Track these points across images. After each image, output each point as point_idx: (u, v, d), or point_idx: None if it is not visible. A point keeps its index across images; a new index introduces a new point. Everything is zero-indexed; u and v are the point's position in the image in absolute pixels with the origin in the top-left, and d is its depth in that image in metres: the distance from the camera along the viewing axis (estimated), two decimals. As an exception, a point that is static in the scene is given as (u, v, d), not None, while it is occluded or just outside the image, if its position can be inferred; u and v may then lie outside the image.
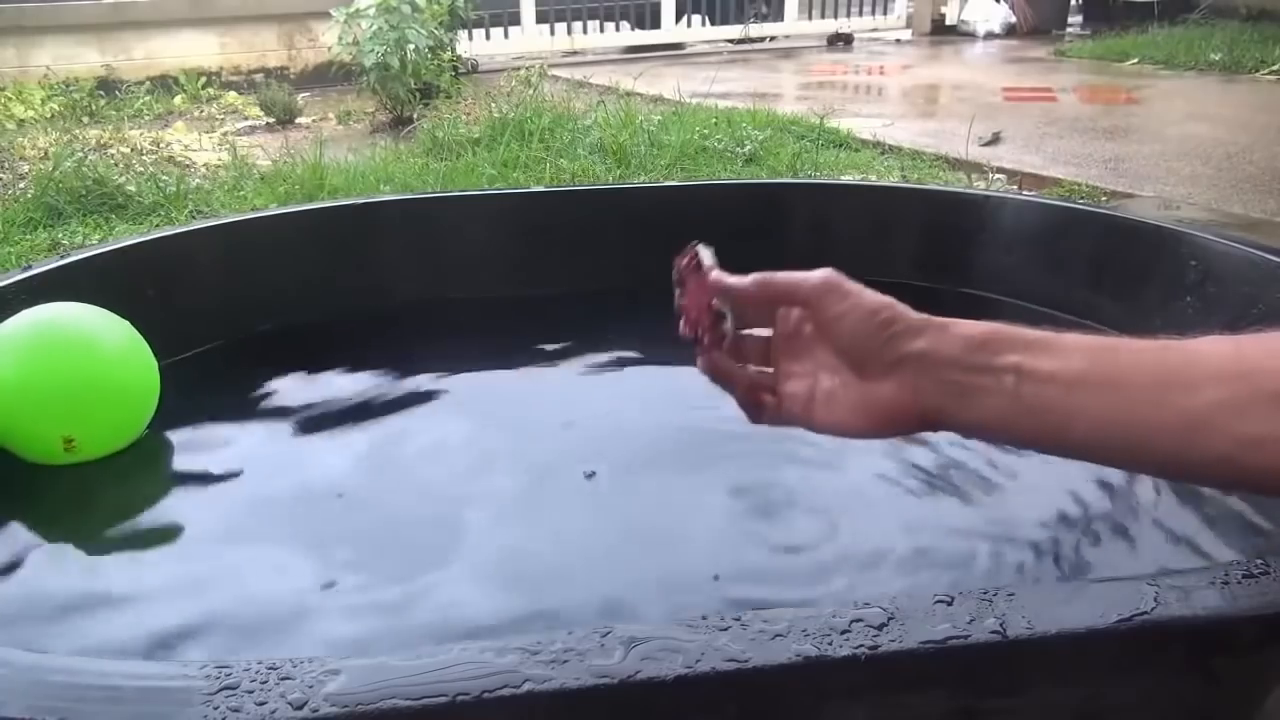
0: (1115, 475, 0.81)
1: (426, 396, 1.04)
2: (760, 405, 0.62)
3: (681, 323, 0.65)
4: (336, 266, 1.22)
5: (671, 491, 0.73)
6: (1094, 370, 0.50)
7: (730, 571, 0.72)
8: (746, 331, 0.65)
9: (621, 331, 1.17)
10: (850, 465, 0.84)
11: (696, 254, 0.66)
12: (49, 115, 4.02)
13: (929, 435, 0.62)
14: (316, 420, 1.00)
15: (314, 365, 1.11)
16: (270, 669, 0.42)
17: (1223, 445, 0.46)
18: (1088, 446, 0.52)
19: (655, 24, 6.64)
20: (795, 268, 0.58)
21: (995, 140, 3.41)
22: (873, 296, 0.58)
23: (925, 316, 0.56)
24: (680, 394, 0.85)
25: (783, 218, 1.30)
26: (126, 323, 0.95)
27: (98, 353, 0.92)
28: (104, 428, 0.93)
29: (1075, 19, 7.49)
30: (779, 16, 7.03)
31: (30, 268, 1.01)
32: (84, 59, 4.78)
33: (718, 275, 0.65)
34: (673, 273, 0.67)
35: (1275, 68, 4.74)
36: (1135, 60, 5.46)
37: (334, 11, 3.96)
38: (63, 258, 1.05)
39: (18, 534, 0.81)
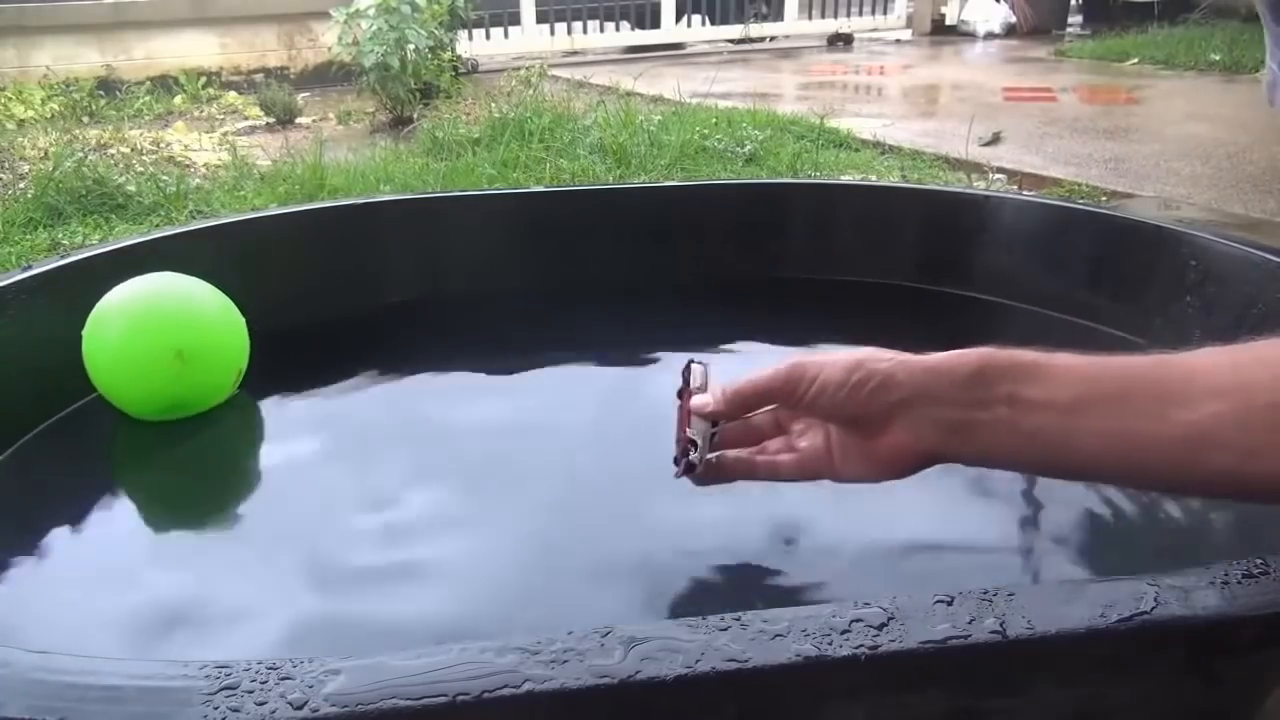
0: (1115, 475, 0.81)
1: (422, 398, 1.04)
2: (774, 465, 0.65)
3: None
4: (336, 266, 1.22)
5: (672, 491, 0.73)
6: (1090, 391, 0.50)
7: (728, 571, 0.72)
8: (755, 414, 0.66)
9: (623, 331, 1.17)
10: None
11: (689, 371, 0.67)
12: (49, 115, 4.02)
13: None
14: (314, 421, 1.00)
15: (313, 366, 1.11)
16: (270, 669, 0.42)
17: (1225, 458, 0.46)
18: (1090, 468, 0.52)
19: (655, 24, 6.65)
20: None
21: (995, 140, 3.41)
22: (838, 363, 0.58)
23: (898, 359, 0.56)
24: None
25: (783, 217, 1.30)
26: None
27: (223, 300, 1.00)
28: (245, 358, 1.01)
29: (1075, 19, 7.49)
30: (779, 16, 7.03)
31: (30, 268, 1.01)
32: (84, 59, 4.79)
33: (697, 401, 0.66)
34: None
35: (1275, 68, 4.74)
36: (1135, 60, 5.47)
37: (334, 11, 3.97)
38: (63, 258, 1.05)
39: (18, 533, 0.81)
